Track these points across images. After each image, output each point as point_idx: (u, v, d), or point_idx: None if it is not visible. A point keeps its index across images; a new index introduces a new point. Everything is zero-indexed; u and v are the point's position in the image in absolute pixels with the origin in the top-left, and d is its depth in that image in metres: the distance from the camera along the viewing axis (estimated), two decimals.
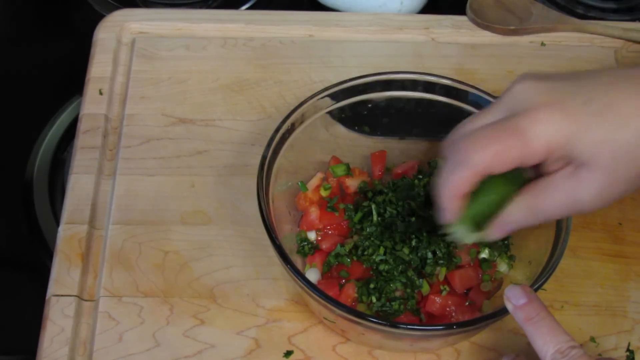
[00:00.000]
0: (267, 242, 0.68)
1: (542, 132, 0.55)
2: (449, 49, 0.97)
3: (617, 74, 0.58)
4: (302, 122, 0.76)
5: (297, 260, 0.76)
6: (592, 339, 0.74)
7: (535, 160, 0.57)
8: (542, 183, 0.58)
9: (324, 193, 0.78)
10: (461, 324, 0.65)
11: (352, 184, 0.79)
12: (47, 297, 0.76)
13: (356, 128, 0.82)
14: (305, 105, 0.75)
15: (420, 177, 0.78)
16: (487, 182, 0.58)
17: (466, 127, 0.59)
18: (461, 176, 0.57)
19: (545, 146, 0.55)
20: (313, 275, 0.74)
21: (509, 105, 0.58)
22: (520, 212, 0.59)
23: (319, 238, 0.77)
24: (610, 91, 0.56)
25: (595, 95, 0.56)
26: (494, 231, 0.61)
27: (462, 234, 0.61)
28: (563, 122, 0.55)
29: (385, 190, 0.77)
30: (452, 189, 0.58)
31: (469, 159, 0.56)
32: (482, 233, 0.62)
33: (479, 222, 0.61)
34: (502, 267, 0.75)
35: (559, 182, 0.57)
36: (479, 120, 0.59)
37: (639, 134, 0.55)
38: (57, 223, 0.82)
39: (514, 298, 0.62)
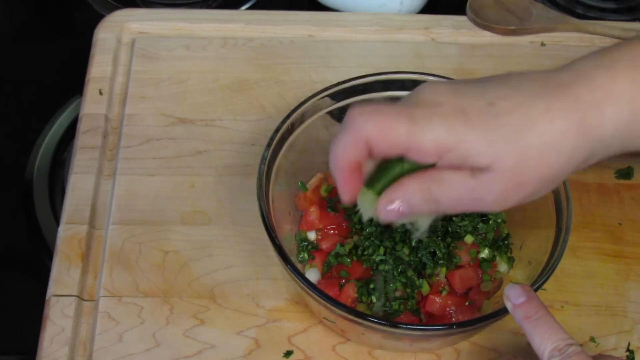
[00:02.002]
0: (267, 242, 0.68)
1: (434, 129, 0.53)
2: (449, 49, 0.97)
3: (525, 76, 0.55)
4: (302, 122, 0.76)
5: (297, 261, 0.76)
6: (592, 339, 0.74)
7: (424, 156, 0.54)
8: (444, 174, 0.55)
9: (324, 193, 0.78)
10: (461, 324, 0.65)
11: None
12: (47, 297, 0.76)
13: None
14: (305, 105, 0.75)
15: None
16: (390, 161, 0.57)
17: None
18: (345, 140, 0.55)
19: (435, 143, 0.53)
20: (313, 275, 0.74)
21: (410, 100, 0.56)
22: (415, 188, 0.55)
23: (319, 238, 0.77)
24: (516, 95, 0.54)
25: (499, 98, 0.53)
26: (384, 204, 0.56)
27: (364, 206, 0.59)
28: (459, 123, 0.53)
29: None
30: (339, 154, 0.56)
31: (353, 124, 0.55)
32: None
33: (380, 192, 0.58)
34: (502, 267, 0.75)
35: (460, 178, 0.54)
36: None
37: (544, 138, 0.53)
38: (57, 223, 0.82)
39: (513, 297, 0.62)
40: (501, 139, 0.53)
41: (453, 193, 0.55)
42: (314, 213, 0.76)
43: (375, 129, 0.54)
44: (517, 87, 0.54)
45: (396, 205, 0.56)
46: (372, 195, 0.59)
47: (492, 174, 0.53)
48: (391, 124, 0.54)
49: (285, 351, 0.73)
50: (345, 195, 0.59)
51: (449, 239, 0.73)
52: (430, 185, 0.55)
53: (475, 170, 0.54)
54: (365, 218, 0.61)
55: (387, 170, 0.58)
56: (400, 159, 0.57)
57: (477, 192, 0.54)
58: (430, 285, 0.73)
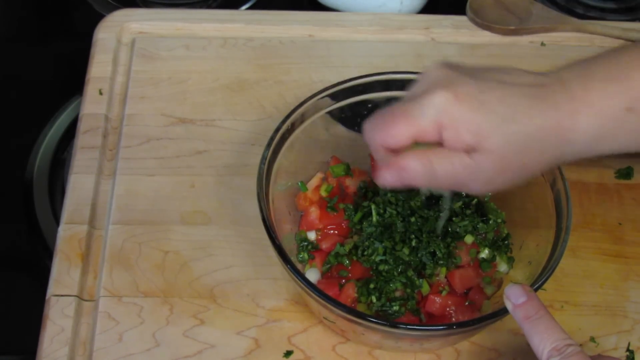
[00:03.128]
0: (267, 242, 0.68)
1: (429, 112, 0.59)
2: (449, 49, 0.97)
3: (519, 75, 0.61)
4: (302, 122, 0.76)
5: (297, 261, 0.76)
6: (592, 339, 0.74)
7: (430, 137, 0.60)
8: (445, 150, 0.60)
9: (324, 193, 0.78)
10: (461, 324, 0.65)
11: (352, 184, 0.79)
12: (47, 297, 0.76)
13: (356, 128, 0.82)
14: (305, 105, 0.75)
15: None
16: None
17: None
18: (373, 150, 0.63)
19: (434, 125, 0.59)
20: (313, 275, 0.74)
21: (415, 89, 0.62)
22: (417, 160, 0.60)
23: (319, 238, 0.77)
24: (505, 90, 0.59)
25: (490, 89, 0.59)
26: (388, 169, 0.61)
27: None
28: (450, 104, 0.58)
29: (385, 190, 0.77)
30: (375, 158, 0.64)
31: (370, 139, 0.62)
32: None
33: None
34: (502, 267, 0.75)
35: (458, 156, 0.59)
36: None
37: (526, 129, 0.59)
38: (57, 223, 0.82)
39: (514, 297, 0.62)
40: (489, 122, 0.58)
41: (450, 168, 0.60)
42: (314, 213, 0.76)
43: (382, 141, 0.61)
44: (507, 85, 0.60)
45: (397, 174, 0.61)
46: None
47: (483, 154, 0.59)
48: (392, 130, 0.60)
49: (285, 351, 0.73)
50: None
51: (449, 239, 0.73)
52: (431, 158, 0.60)
53: (470, 149, 0.59)
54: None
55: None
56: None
57: (471, 170, 0.60)
58: (430, 285, 0.73)
